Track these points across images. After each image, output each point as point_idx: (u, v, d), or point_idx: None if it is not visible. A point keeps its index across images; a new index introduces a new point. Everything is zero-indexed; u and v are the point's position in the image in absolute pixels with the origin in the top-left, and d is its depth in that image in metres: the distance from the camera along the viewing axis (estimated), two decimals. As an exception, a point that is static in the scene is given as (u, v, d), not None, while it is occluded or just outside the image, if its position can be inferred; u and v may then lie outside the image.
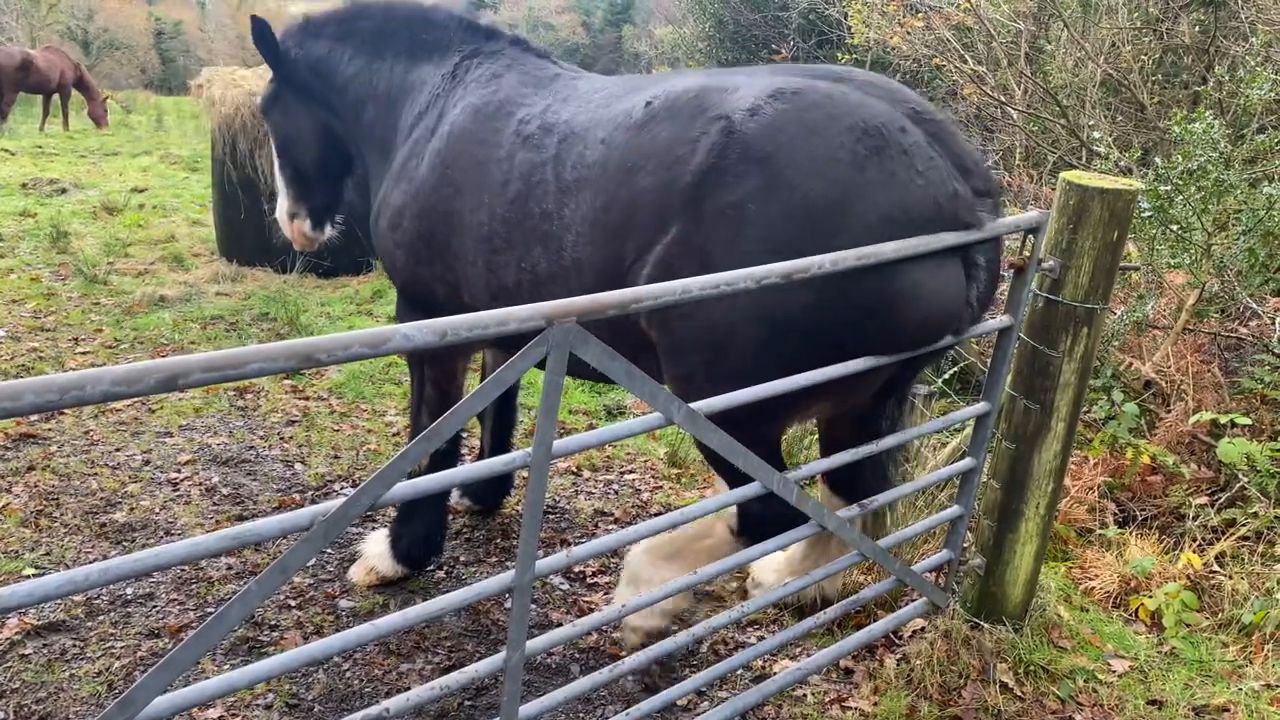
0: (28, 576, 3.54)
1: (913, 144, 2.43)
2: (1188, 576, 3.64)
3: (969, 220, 2.48)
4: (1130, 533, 3.95)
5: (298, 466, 4.54)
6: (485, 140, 3.09)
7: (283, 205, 4.04)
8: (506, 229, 2.97)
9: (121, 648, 3.20)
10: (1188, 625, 3.49)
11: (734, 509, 2.83)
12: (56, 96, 18.59)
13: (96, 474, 4.31)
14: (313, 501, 4.23)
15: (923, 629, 3.36)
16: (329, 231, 4.15)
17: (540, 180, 2.89)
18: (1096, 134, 5.86)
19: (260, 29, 3.71)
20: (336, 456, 4.64)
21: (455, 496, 4.22)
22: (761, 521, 2.75)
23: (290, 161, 3.98)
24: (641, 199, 2.59)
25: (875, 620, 3.28)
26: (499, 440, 4.13)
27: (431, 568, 3.78)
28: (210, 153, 7.83)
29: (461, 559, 3.87)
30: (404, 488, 1.87)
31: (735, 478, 2.57)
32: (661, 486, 4.55)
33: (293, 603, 3.49)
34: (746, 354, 2.50)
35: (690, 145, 2.53)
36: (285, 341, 1.60)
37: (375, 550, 3.65)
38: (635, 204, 2.61)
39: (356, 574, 3.66)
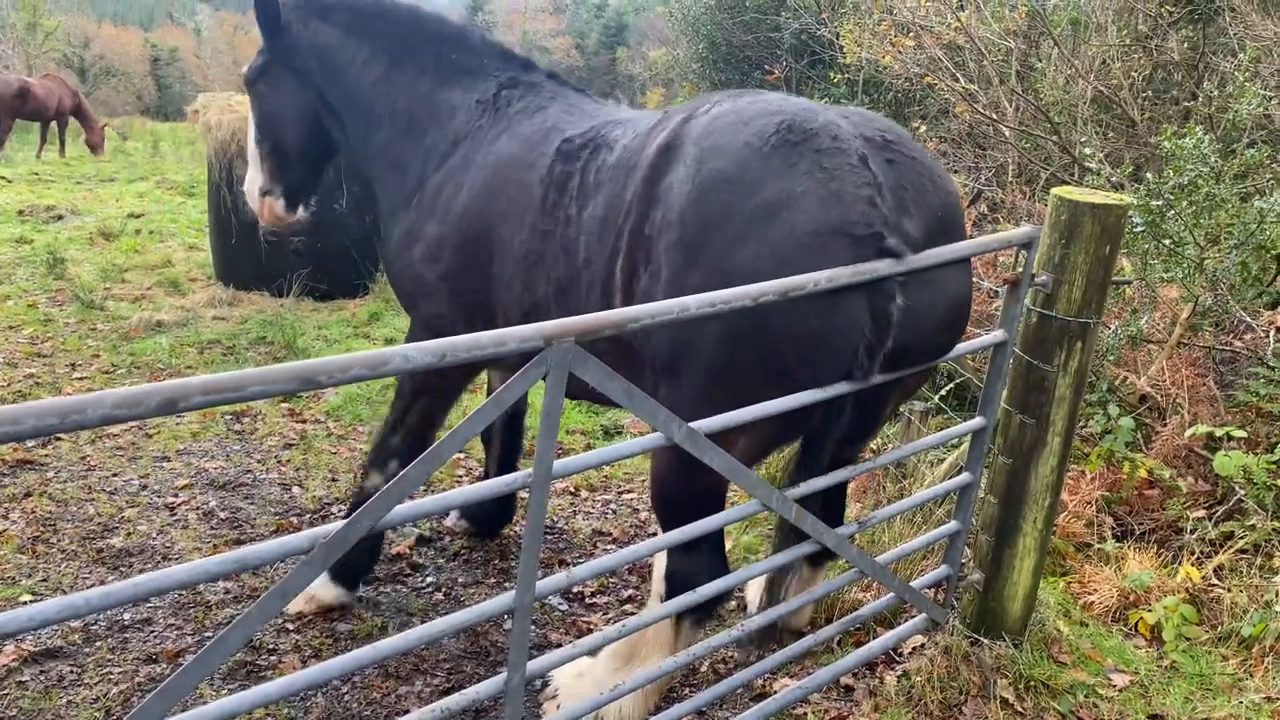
0: (25, 603, 3.53)
1: (834, 148, 2.37)
2: (1187, 590, 3.63)
3: (873, 244, 2.32)
4: (1128, 546, 3.95)
5: (295, 490, 4.53)
6: (531, 164, 3.08)
7: (254, 179, 3.88)
8: (542, 242, 2.96)
9: (119, 673, 3.19)
10: (1187, 639, 3.49)
11: (662, 578, 2.80)
12: (54, 124, 18.66)
13: (94, 499, 4.31)
14: (311, 524, 4.22)
15: (922, 645, 3.35)
16: (301, 214, 3.98)
17: (570, 188, 2.92)
18: (1088, 150, 5.90)
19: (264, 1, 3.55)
20: (334, 479, 4.64)
21: (453, 519, 4.22)
22: (688, 581, 2.62)
23: (270, 138, 3.82)
24: (626, 188, 2.68)
25: (875, 637, 3.28)
26: (505, 467, 4.13)
27: (429, 590, 3.78)
28: (206, 178, 7.86)
29: (460, 580, 3.86)
30: (404, 510, 1.87)
31: (672, 523, 2.52)
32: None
33: (291, 626, 3.48)
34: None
35: (659, 134, 2.65)
36: (285, 364, 1.60)
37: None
38: (622, 194, 2.69)
39: (296, 604, 3.53)
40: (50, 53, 34.39)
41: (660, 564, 2.80)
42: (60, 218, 10.52)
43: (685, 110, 2.70)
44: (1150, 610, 3.57)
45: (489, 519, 4.14)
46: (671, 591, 2.70)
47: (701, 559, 2.70)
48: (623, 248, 2.63)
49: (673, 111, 2.79)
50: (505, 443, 4.08)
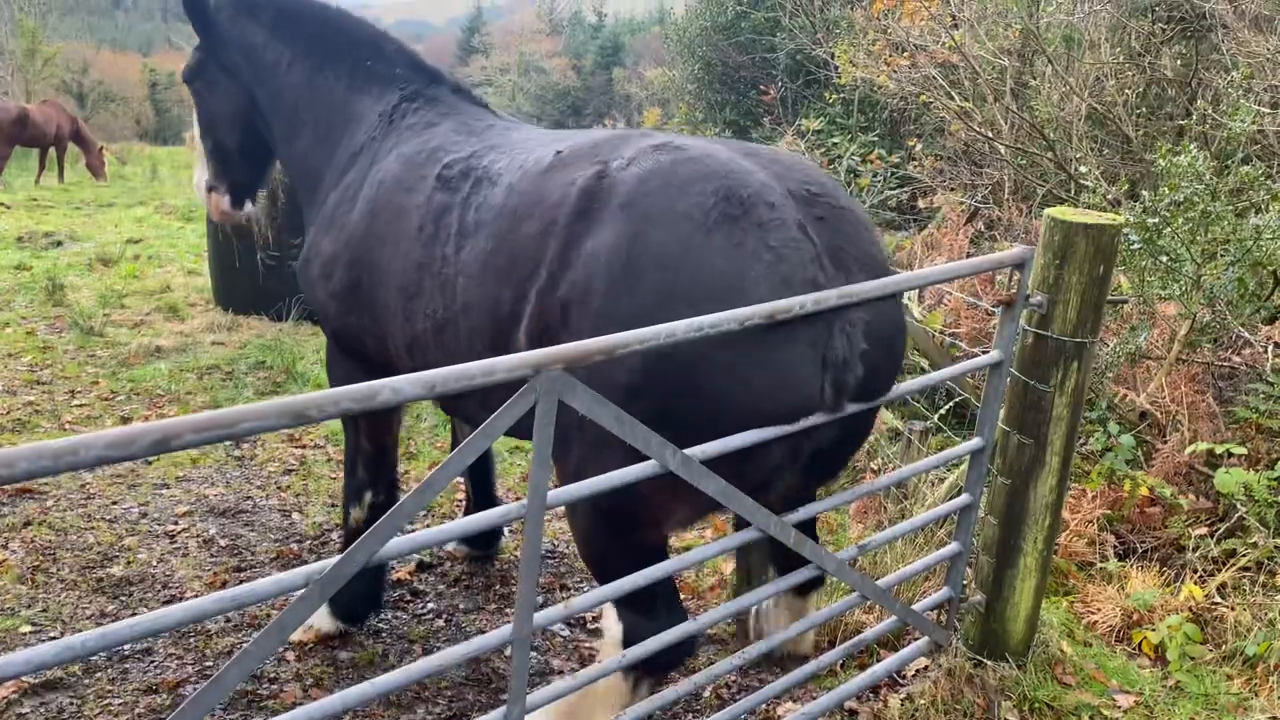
0: (24, 634, 3.52)
1: (774, 220, 2.26)
2: (1190, 608, 3.62)
3: (824, 318, 2.26)
4: (1131, 565, 3.94)
5: (295, 516, 4.53)
6: (411, 187, 2.98)
7: (200, 174, 3.87)
8: (419, 274, 2.84)
9: (119, 705, 3.18)
10: (1191, 658, 3.47)
11: (619, 640, 2.56)
12: (52, 149, 18.74)
13: (93, 528, 4.30)
14: (311, 550, 4.21)
15: (926, 668, 3.34)
16: (249, 209, 3.97)
17: (447, 223, 2.79)
18: (1084, 168, 5.92)
19: None
20: (334, 505, 4.63)
21: (453, 544, 4.21)
22: (645, 638, 2.42)
23: (210, 136, 3.78)
24: (524, 243, 2.50)
25: (878, 660, 3.26)
26: (481, 486, 4.13)
27: (429, 616, 3.76)
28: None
29: (461, 607, 3.85)
30: (399, 543, 1.87)
31: (605, 577, 2.38)
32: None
33: (291, 655, 3.47)
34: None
35: (568, 189, 2.46)
36: (276, 400, 1.60)
37: None
38: (518, 247, 2.52)
39: (295, 634, 3.43)
40: (49, 79, 34.59)
41: (614, 629, 2.58)
42: (59, 244, 10.55)
43: (591, 160, 2.51)
44: (1154, 629, 3.56)
45: (483, 537, 4.13)
46: (633, 646, 2.50)
47: (660, 618, 2.50)
48: (527, 310, 2.45)
49: (571, 157, 2.59)
50: (477, 462, 4.05)
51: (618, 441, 2.11)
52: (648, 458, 2.14)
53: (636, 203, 2.31)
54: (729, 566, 3.99)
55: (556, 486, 2.20)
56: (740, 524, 2.73)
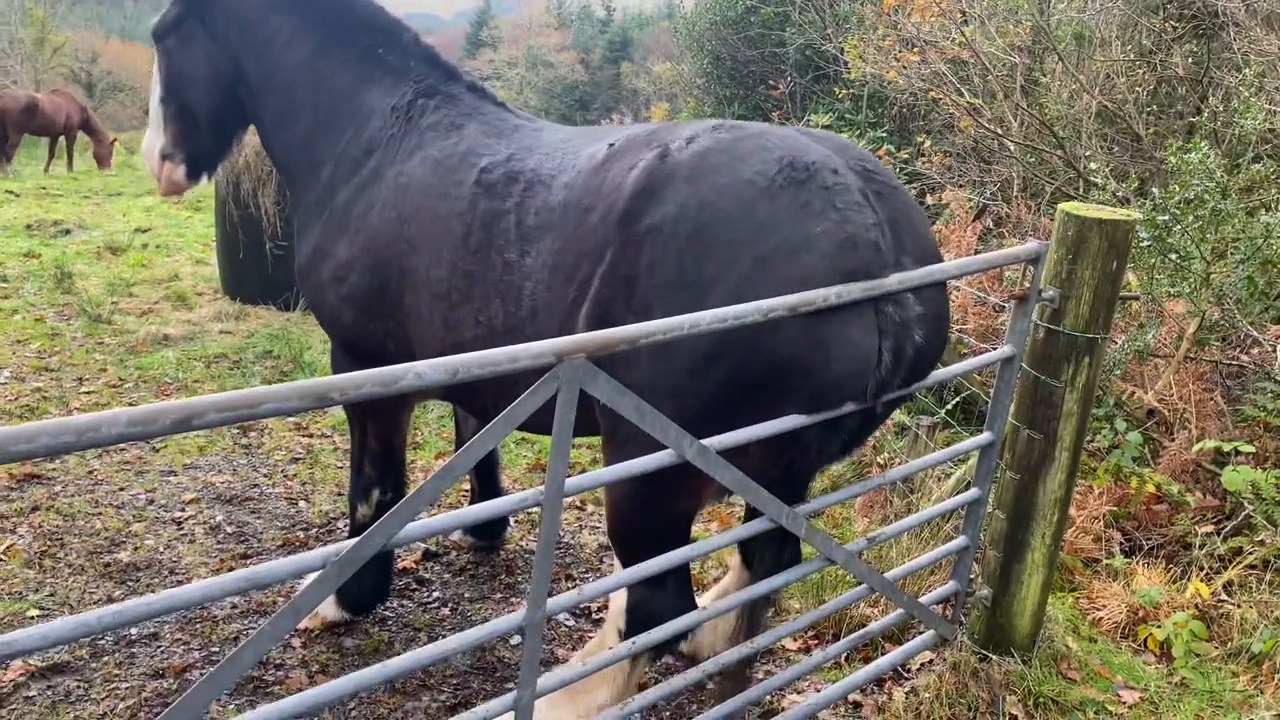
0: (32, 618, 3.53)
1: (839, 184, 2.31)
2: (1196, 606, 3.62)
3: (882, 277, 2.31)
4: (1137, 562, 3.94)
5: (302, 504, 4.54)
6: (447, 194, 2.91)
7: (154, 140, 3.58)
8: (467, 282, 2.79)
9: (126, 689, 3.19)
10: (1197, 655, 3.47)
11: (623, 610, 2.64)
12: (61, 138, 18.78)
13: (101, 514, 4.31)
14: (317, 539, 4.23)
15: (931, 661, 3.34)
16: (203, 182, 3.71)
17: (503, 229, 2.74)
18: (1094, 165, 5.91)
19: None
20: (340, 494, 4.64)
21: (459, 533, 4.22)
22: (654, 619, 2.48)
23: (177, 99, 3.52)
24: (588, 235, 2.50)
25: (883, 653, 3.27)
26: (486, 477, 4.13)
27: (435, 605, 3.77)
28: (213, 192, 7.89)
29: (467, 595, 3.86)
30: (416, 528, 1.87)
31: (632, 559, 2.39)
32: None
33: (297, 642, 3.48)
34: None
35: (627, 172, 2.48)
36: (297, 382, 1.60)
37: None
38: (584, 241, 2.51)
39: (303, 621, 3.48)
40: (58, 68, 34.62)
41: (619, 596, 2.65)
42: (68, 232, 10.57)
43: (650, 145, 2.53)
44: (1159, 626, 3.56)
45: (489, 527, 4.13)
46: (632, 626, 2.58)
47: (668, 595, 2.58)
48: (589, 294, 2.45)
49: (626, 146, 2.61)
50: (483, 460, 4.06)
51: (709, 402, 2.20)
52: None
53: (700, 175, 2.34)
54: (735, 559, 3.99)
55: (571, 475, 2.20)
56: (750, 515, 2.74)
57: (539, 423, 2.04)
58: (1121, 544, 4.11)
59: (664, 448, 2.16)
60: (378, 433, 3.40)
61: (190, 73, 3.48)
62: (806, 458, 2.52)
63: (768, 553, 2.94)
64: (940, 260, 2.54)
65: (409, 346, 3.04)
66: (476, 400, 3.11)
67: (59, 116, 18.22)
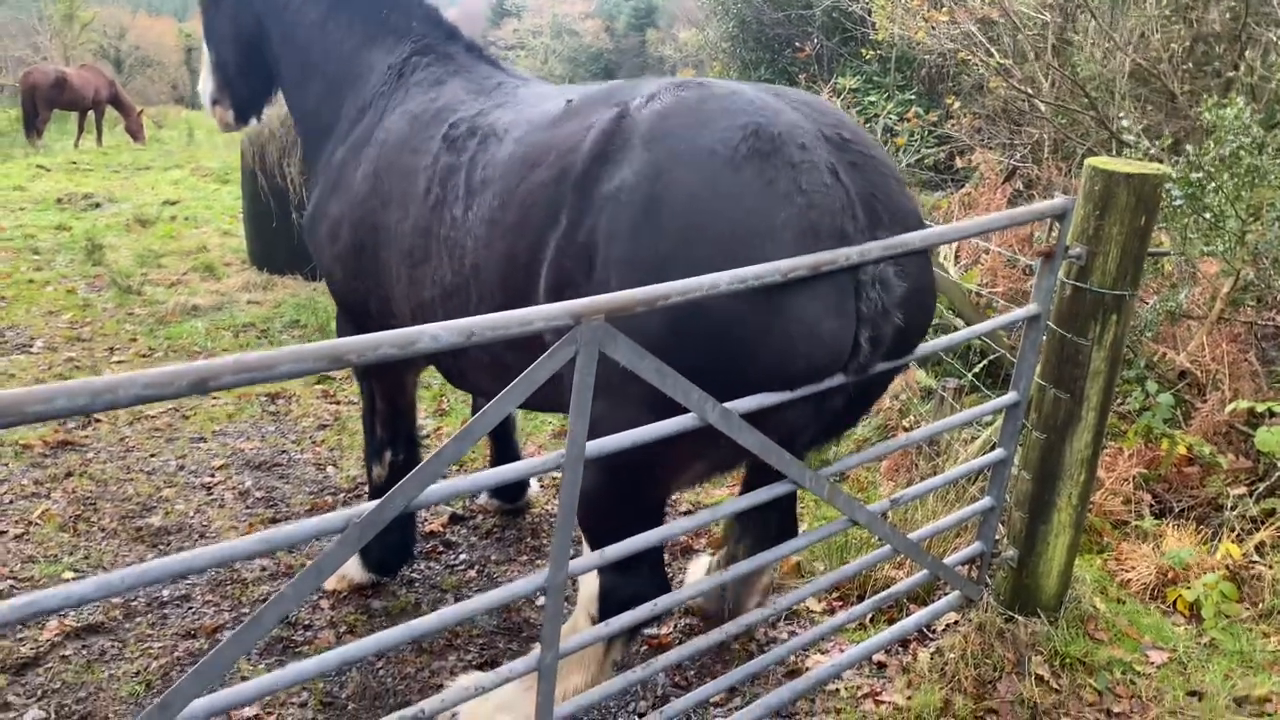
0: (66, 580, 3.60)
1: (806, 161, 2.15)
2: (1226, 567, 3.58)
3: (851, 271, 2.18)
4: (1167, 524, 3.90)
5: (329, 470, 4.58)
6: (417, 148, 2.87)
7: (207, 85, 3.81)
8: (425, 240, 2.75)
9: (159, 648, 3.25)
10: (1227, 616, 3.44)
11: (594, 595, 2.56)
12: (91, 113, 18.92)
13: (132, 479, 4.37)
14: (345, 504, 4.27)
15: (956, 622, 3.33)
16: (254, 124, 3.98)
17: (454, 185, 2.68)
18: (1126, 123, 5.79)
19: None
20: (367, 459, 4.67)
21: (484, 496, 4.24)
22: (629, 602, 2.39)
23: (216, 50, 3.71)
24: (537, 193, 2.39)
25: (908, 614, 3.26)
26: (502, 438, 4.13)
27: (461, 567, 3.80)
28: (240, 164, 7.93)
29: (493, 558, 3.88)
30: (438, 489, 1.88)
31: (601, 538, 2.31)
32: (704, 489, 4.54)
33: (325, 603, 3.52)
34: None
35: (585, 131, 2.35)
36: (315, 343, 1.61)
37: None
38: (531, 198, 2.41)
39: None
40: (87, 44, 34.80)
41: (590, 580, 2.59)
42: (98, 205, 10.66)
43: (609, 104, 2.41)
44: (1189, 588, 3.53)
45: (509, 488, 4.13)
46: (606, 611, 2.50)
47: (642, 578, 2.49)
48: (546, 259, 2.34)
49: (584, 103, 2.51)
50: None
51: (636, 394, 2.07)
52: (668, 413, 2.10)
53: (659, 139, 2.20)
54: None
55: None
56: (754, 483, 2.70)
57: (544, 398, 2.00)
58: (1152, 506, 4.06)
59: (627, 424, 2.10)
60: (383, 393, 3.43)
61: (221, 30, 3.64)
62: (782, 439, 2.36)
63: (752, 530, 2.92)
64: (921, 227, 2.42)
65: (388, 306, 3.03)
66: (471, 378, 3.08)
67: (88, 91, 18.34)
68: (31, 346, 6.02)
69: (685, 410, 2.10)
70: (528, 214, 2.41)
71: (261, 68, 3.67)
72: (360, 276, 3.09)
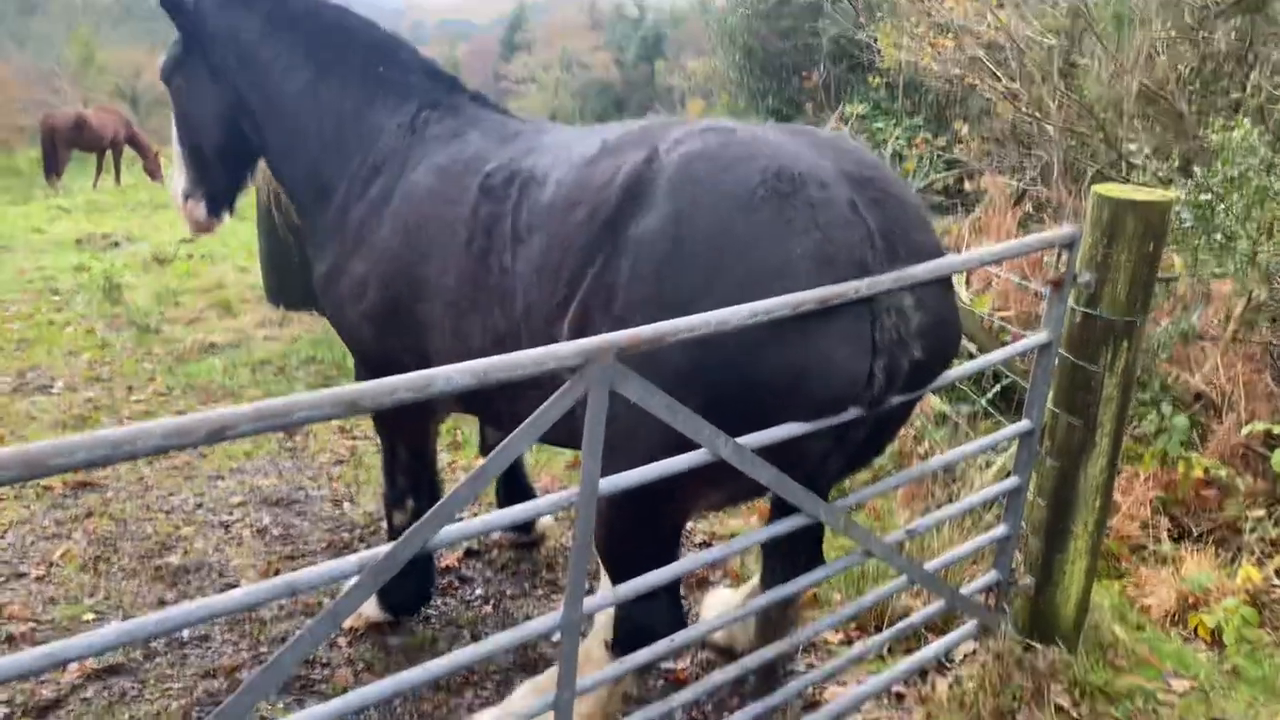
0: (88, 621, 3.63)
1: (825, 199, 2.19)
2: (1247, 591, 3.55)
3: (868, 303, 2.20)
4: (1186, 548, 3.87)
5: (346, 506, 4.60)
6: (452, 200, 2.89)
7: (177, 180, 3.68)
8: (473, 290, 2.76)
9: (179, 689, 3.26)
10: (1249, 642, 3.40)
11: (610, 623, 2.59)
12: (109, 153, 19.19)
13: (152, 518, 4.41)
14: (362, 540, 4.28)
15: (974, 651, 3.31)
16: (226, 219, 3.79)
17: (501, 232, 2.70)
18: (1132, 146, 5.80)
19: None
20: (384, 495, 4.70)
21: (496, 531, 4.25)
22: (643, 633, 2.42)
23: (189, 139, 3.58)
24: (575, 233, 2.44)
25: (925, 644, 3.24)
26: (510, 473, 4.12)
27: (477, 602, 3.81)
28: (256, 201, 8.02)
29: (508, 592, 3.89)
30: (451, 531, 1.89)
31: (622, 573, 2.34)
32: (705, 516, 4.54)
33: (342, 640, 3.53)
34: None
35: (615, 171, 2.41)
36: (330, 389, 1.64)
37: None
38: (570, 238, 2.45)
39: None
40: (104, 85, 35.37)
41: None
42: (116, 244, 10.81)
43: (639, 146, 2.46)
44: (1210, 613, 3.50)
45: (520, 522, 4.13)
46: (621, 638, 2.53)
47: (660, 609, 2.50)
48: (577, 294, 2.38)
49: (618, 144, 2.56)
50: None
51: (643, 430, 2.09)
52: (669, 448, 2.11)
53: (682, 185, 2.27)
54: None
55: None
56: (777, 514, 2.71)
57: (557, 435, 2.02)
58: (1169, 530, 4.04)
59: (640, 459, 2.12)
60: (406, 443, 3.43)
61: (197, 110, 3.53)
62: (805, 472, 2.40)
63: (779, 560, 2.92)
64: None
65: (427, 361, 2.99)
66: (490, 409, 3.10)
67: (106, 132, 18.63)
68: (52, 387, 6.09)
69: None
70: (568, 254, 2.46)
71: (241, 146, 3.59)
72: (395, 333, 3.06)
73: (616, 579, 2.40)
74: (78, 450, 1.38)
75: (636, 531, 2.47)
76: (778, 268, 2.14)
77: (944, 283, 2.43)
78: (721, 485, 2.40)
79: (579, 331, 2.34)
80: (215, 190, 3.68)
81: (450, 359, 2.83)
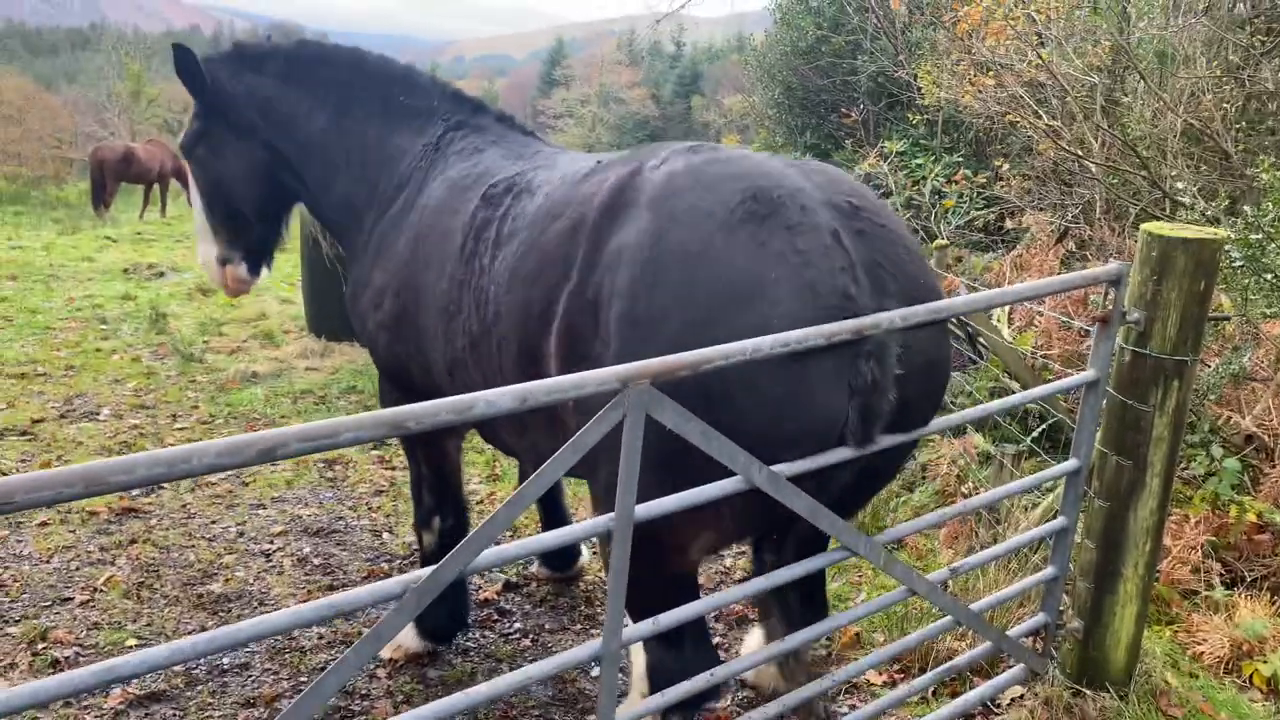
0: (130, 646, 3.65)
1: (804, 224, 2.14)
2: (1303, 640, 3.45)
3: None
4: (1239, 594, 3.77)
5: (385, 536, 4.62)
6: (456, 209, 2.97)
7: (209, 251, 3.72)
8: (459, 292, 2.81)
9: (219, 716, 3.27)
10: (1306, 692, 3.31)
11: (644, 676, 2.56)
12: (156, 185, 19.61)
13: (194, 546, 4.44)
14: (401, 570, 4.29)
15: (1021, 696, 3.24)
16: (264, 275, 3.83)
17: (486, 236, 2.77)
18: (1181, 184, 5.75)
19: (185, 59, 3.38)
20: (422, 526, 4.71)
21: (537, 565, 4.24)
22: (670, 676, 2.38)
23: (223, 203, 3.65)
24: (554, 242, 2.46)
25: (971, 687, 3.18)
26: (551, 507, 4.15)
27: (516, 635, 3.79)
28: (300, 233, 8.14)
29: (547, 626, 3.87)
30: (491, 554, 1.89)
31: (641, 614, 2.30)
32: (745, 551, 4.50)
33: (381, 672, 3.53)
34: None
35: (600, 186, 2.44)
36: (376, 412, 1.65)
37: None
38: (548, 248, 2.48)
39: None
40: (152, 119, 36.21)
41: (640, 656, 2.59)
42: (161, 274, 11.01)
43: (628, 163, 2.49)
44: (1265, 661, 3.40)
45: (560, 555, 4.14)
46: (655, 687, 2.46)
47: (686, 653, 2.47)
48: (559, 311, 2.38)
49: (609, 161, 2.62)
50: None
51: (653, 459, 2.03)
52: (672, 477, 2.10)
53: (663, 200, 2.25)
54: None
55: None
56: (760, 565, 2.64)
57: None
58: (1222, 575, 3.94)
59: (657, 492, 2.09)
60: (428, 460, 3.50)
61: (230, 173, 3.60)
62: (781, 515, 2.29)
63: (791, 597, 2.86)
64: (938, 294, 2.37)
65: (428, 370, 3.07)
66: (498, 439, 3.14)
67: (153, 164, 19.05)
68: (99, 414, 6.19)
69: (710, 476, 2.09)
70: (544, 264, 2.47)
71: (277, 198, 3.70)
72: (402, 341, 3.14)
73: (637, 618, 2.35)
74: (137, 468, 1.40)
75: (643, 569, 2.32)
76: (751, 291, 2.09)
77: (938, 323, 2.35)
78: (711, 524, 2.32)
79: (568, 347, 2.34)
80: (255, 247, 3.76)
81: (441, 363, 2.92)
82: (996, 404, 2.82)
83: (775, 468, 2.14)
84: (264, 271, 3.82)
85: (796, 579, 2.45)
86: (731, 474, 2.10)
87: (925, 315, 2.22)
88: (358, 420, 1.63)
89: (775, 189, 2.20)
